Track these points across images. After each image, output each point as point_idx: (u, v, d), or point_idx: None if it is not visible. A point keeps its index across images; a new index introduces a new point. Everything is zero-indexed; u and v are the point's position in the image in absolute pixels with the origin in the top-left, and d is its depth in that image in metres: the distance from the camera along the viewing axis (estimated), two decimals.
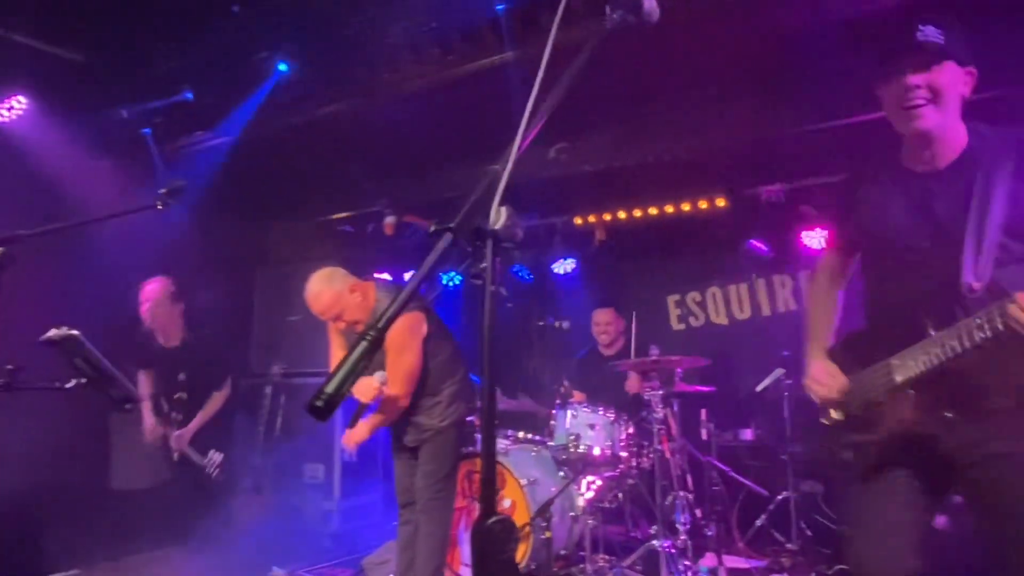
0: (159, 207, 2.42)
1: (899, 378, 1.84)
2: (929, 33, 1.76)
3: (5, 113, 4.50)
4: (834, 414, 2.06)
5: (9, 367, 2.16)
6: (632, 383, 4.81)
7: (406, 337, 3.25)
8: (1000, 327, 1.58)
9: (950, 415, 1.77)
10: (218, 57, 4.30)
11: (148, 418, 4.30)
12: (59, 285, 4.44)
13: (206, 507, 4.32)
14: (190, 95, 4.43)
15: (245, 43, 4.22)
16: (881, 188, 1.97)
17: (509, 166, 1.12)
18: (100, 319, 3.39)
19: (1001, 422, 1.75)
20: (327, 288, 3.25)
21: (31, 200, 4.23)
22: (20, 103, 4.50)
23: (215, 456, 4.29)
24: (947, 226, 1.79)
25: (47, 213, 3.59)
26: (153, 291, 4.30)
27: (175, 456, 4.27)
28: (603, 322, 5.20)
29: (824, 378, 2.03)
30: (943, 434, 1.79)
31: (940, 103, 1.77)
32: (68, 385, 2.33)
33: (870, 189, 2.01)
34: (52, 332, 2.32)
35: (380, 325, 0.97)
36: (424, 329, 3.35)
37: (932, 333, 1.76)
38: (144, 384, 4.39)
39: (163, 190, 2.49)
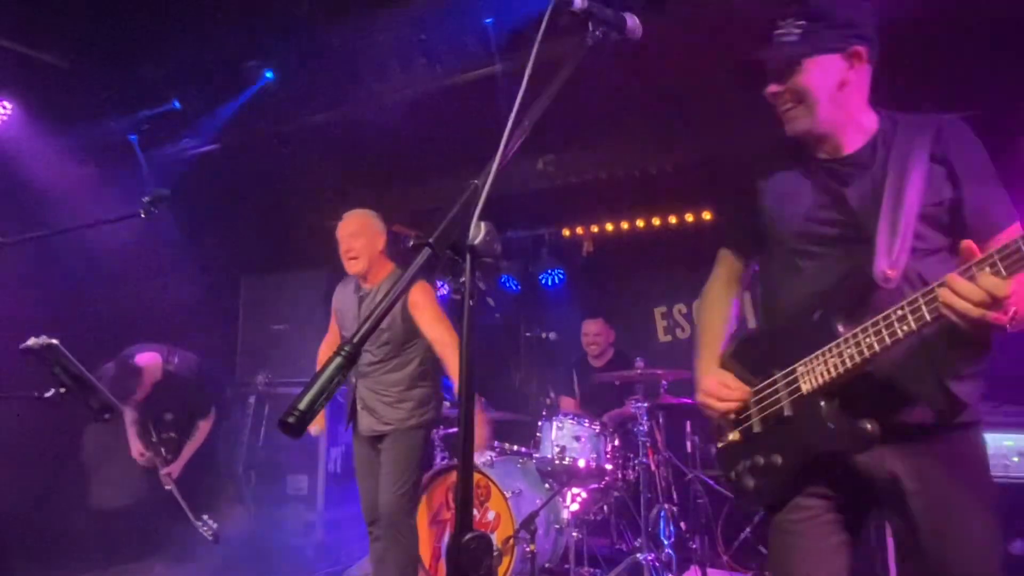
0: (143, 215, 2.41)
1: (807, 387, 1.58)
2: (785, 31, 1.61)
3: None
4: (731, 435, 1.76)
5: None
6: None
7: (430, 297, 3.21)
8: (927, 316, 1.38)
9: (868, 427, 1.48)
10: (204, 65, 4.31)
11: (135, 443, 4.25)
12: (40, 293, 4.40)
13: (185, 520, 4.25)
14: (177, 104, 4.42)
15: (232, 51, 4.23)
16: (782, 177, 1.77)
17: (489, 181, 1.12)
18: (82, 327, 3.37)
19: (919, 448, 1.55)
20: (369, 219, 3.31)
21: (15, 206, 4.20)
22: (5, 108, 4.48)
23: (210, 523, 4.17)
24: (857, 213, 1.61)
25: (30, 219, 3.57)
26: (151, 373, 4.21)
27: (167, 488, 4.21)
28: (592, 332, 5.21)
29: (720, 391, 1.75)
30: (860, 449, 1.55)
31: (808, 103, 1.62)
32: (47, 394, 2.31)
33: (768, 178, 1.80)
34: (31, 341, 2.30)
35: (355, 341, 0.96)
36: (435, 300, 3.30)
37: (841, 331, 1.53)
38: (128, 412, 4.32)
39: (147, 198, 2.48)
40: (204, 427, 4.42)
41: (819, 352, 1.56)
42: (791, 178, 1.75)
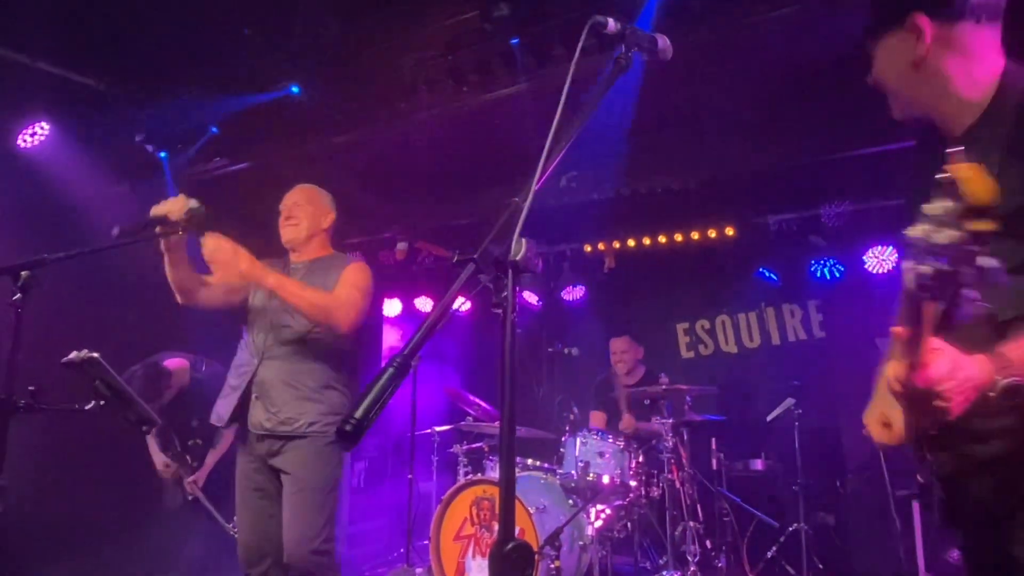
0: (180, 232, 2.47)
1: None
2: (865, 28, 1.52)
3: (29, 139, 4.61)
4: None
5: (31, 388, 2.19)
6: (626, 422, 4.82)
7: (366, 277, 2.82)
8: None
9: None
10: (235, 85, 4.41)
11: (157, 456, 4.29)
12: (81, 308, 4.49)
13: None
14: (215, 129, 4.53)
15: (261, 72, 4.33)
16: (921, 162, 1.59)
17: (530, 199, 1.16)
18: (118, 341, 3.45)
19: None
20: (320, 194, 2.98)
21: (54, 223, 4.31)
22: (43, 129, 4.62)
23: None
24: None
25: (69, 236, 3.67)
26: (179, 377, 4.19)
27: (190, 498, 4.22)
28: (619, 351, 5.17)
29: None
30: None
31: (892, 89, 1.49)
32: (87, 407, 2.36)
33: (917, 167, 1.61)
34: (73, 354, 2.36)
35: (406, 352, 1.00)
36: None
37: None
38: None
39: (184, 216, 2.53)
40: (228, 436, 4.43)
41: None
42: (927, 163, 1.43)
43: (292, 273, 2.83)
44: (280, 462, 2.64)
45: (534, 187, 1.17)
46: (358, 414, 0.91)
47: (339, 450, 2.66)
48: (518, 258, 1.11)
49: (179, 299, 2.76)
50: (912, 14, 1.36)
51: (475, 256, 1.08)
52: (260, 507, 2.66)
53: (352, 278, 2.77)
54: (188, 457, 4.26)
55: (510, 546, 1.06)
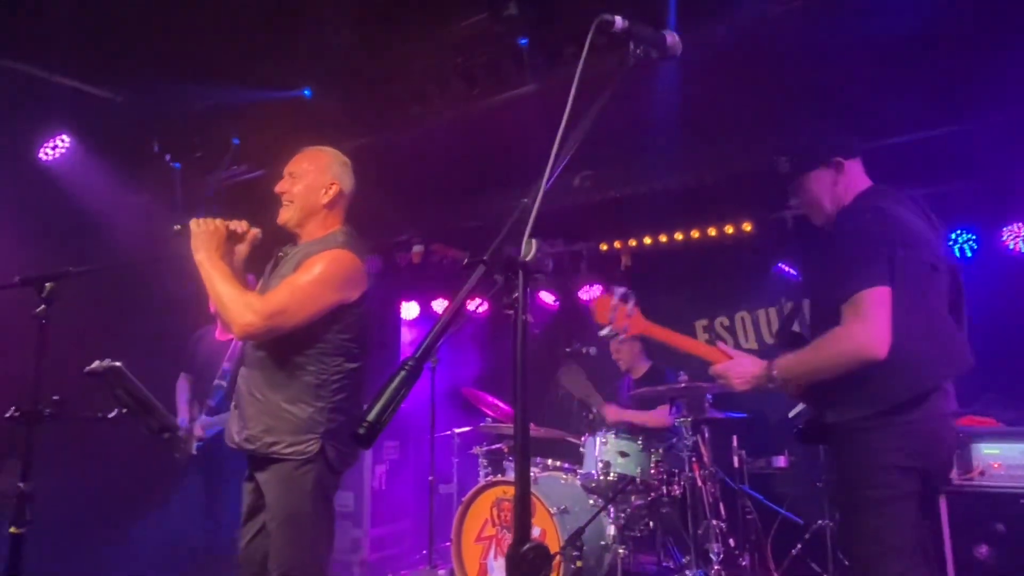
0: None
1: None
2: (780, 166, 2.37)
3: (50, 152, 4.69)
4: None
5: (55, 398, 2.23)
6: (611, 414, 4.79)
7: (327, 271, 2.25)
8: None
9: None
10: (253, 94, 4.46)
11: (184, 409, 4.23)
12: (103, 318, 4.56)
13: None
14: (236, 140, 4.58)
15: (276, 79, 4.37)
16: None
17: (539, 199, 1.16)
18: (143, 350, 3.50)
19: None
20: (323, 157, 2.51)
21: (75, 235, 4.38)
22: (64, 142, 4.70)
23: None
24: None
25: (90, 247, 3.74)
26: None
27: (193, 446, 4.12)
28: (613, 350, 5.14)
29: None
30: None
31: (811, 211, 2.36)
32: (110, 415, 2.40)
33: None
34: (96, 364, 2.40)
35: (418, 355, 1.00)
36: (358, 286, 2.34)
37: None
38: (182, 388, 4.37)
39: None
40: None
41: None
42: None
43: (276, 261, 2.48)
44: (261, 482, 2.28)
45: (543, 188, 1.17)
46: (370, 417, 0.92)
47: (316, 474, 2.21)
48: (528, 259, 1.11)
49: (222, 330, 2.71)
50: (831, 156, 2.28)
51: (485, 258, 1.08)
52: (247, 522, 2.35)
53: (303, 271, 2.26)
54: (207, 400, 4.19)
55: (526, 547, 1.06)
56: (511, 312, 1.11)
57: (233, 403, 2.41)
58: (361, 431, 0.92)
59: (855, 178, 2.28)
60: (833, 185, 2.26)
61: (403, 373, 0.97)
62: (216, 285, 2.25)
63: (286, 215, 2.43)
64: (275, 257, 2.50)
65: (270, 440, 2.21)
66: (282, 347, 2.26)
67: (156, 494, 4.80)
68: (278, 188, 2.46)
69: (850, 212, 2.17)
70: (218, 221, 2.35)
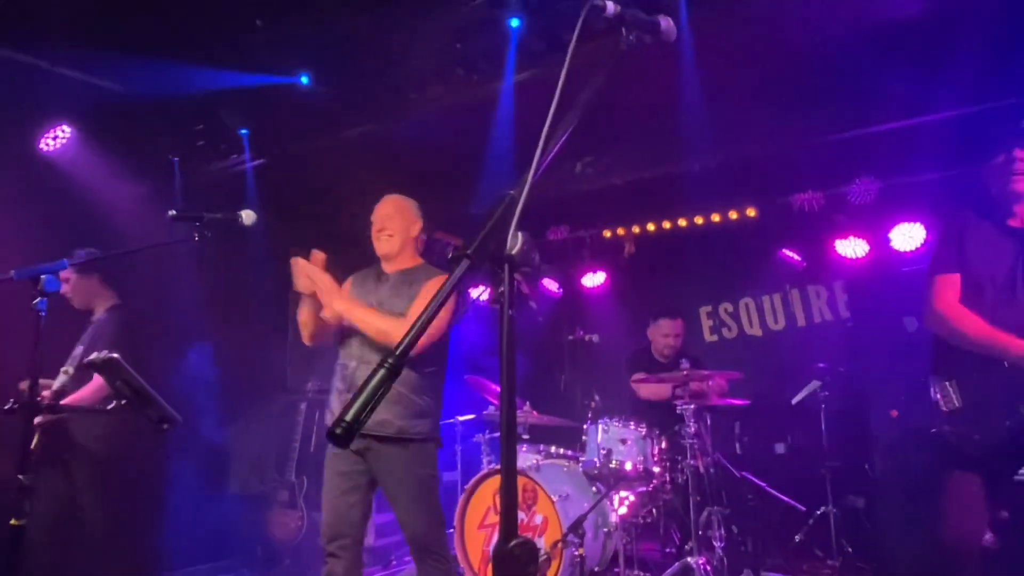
0: (196, 239, 2.50)
1: None
2: None
3: (51, 142, 4.68)
4: None
5: (53, 389, 2.24)
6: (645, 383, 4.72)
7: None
8: None
9: None
10: (251, 82, 4.43)
11: None
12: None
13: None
14: (245, 132, 4.58)
15: (274, 67, 4.34)
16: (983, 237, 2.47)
17: (525, 191, 1.13)
18: (142, 339, 3.50)
19: None
20: (408, 203, 3.12)
21: (76, 225, 4.38)
22: (64, 132, 4.68)
23: None
24: None
25: (91, 237, 3.73)
26: None
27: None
28: (673, 333, 4.95)
29: None
30: None
31: None
32: (109, 407, 2.41)
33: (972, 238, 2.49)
34: (93, 355, 2.41)
35: (397, 353, 0.99)
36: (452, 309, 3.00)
37: None
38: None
39: (201, 222, 2.56)
40: None
41: None
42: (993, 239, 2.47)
43: (384, 283, 3.03)
44: (375, 460, 2.81)
45: (530, 179, 1.14)
46: (348, 417, 0.91)
47: (432, 451, 2.90)
48: (514, 252, 1.09)
49: (307, 341, 3.05)
50: None
51: (469, 252, 1.06)
52: (344, 493, 2.84)
53: (429, 295, 2.84)
54: None
55: (513, 543, 1.05)
56: (497, 307, 1.09)
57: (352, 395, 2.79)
58: (338, 431, 0.90)
59: None
60: None
61: (382, 372, 0.96)
62: (373, 323, 2.79)
63: (388, 247, 3.02)
64: (378, 276, 3.06)
65: (398, 425, 2.77)
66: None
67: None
68: (379, 224, 3.04)
69: None
70: (318, 272, 2.83)
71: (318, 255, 2.90)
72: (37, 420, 2.31)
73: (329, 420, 3.04)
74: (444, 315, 2.83)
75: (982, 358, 2.36)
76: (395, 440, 2.78)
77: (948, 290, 2.49)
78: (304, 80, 4.26)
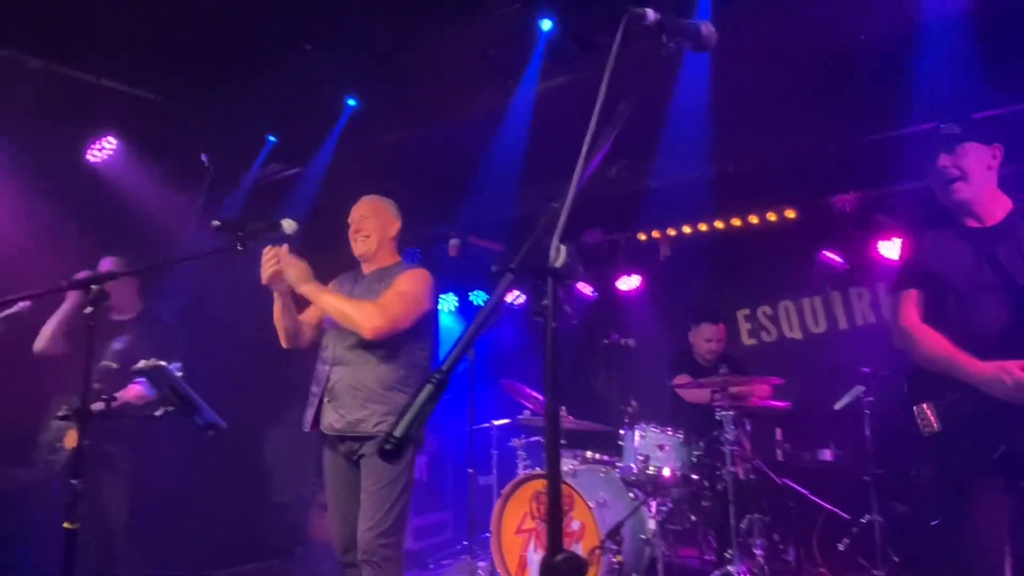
0: (239, 248, 2.54)
1: None
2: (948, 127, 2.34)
3: (97, 154, 4.82)
4: None
5: (105, 396, 2.30)
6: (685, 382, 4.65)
7: (415, 282, 2.90)
8: None
9: None
10: (291, 93, 4.51)
11: None
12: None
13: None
14: (272, 139, 4.65)
15: (316, 78, 4.41)
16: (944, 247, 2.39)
17: (568, 202, 1.13)
18: (190, 348, 3.58)
19: None
20: (384, 203, 3.13)
21: (122, 236, 4.50)
22: (110, 143, 4.82)
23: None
24: (1008, 270, 2.21)
25: (136, 246, 3.84)
26: None
27: None
28: (716, 338, 4.95)
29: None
30: None
31: (968, 179, 2.29)
32: (157, 413, 2.47)
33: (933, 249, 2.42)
34: (141, 363, 2.47)
35: (444, 368, 0.99)
36: (435, 298, 3.03)
37: None
38: None
39: (243, 232, 2.60)
40: None
41: None
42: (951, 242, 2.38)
43: (360, 283, 3.06)
44: (361, 460, 2.85)
45: (573, 190, 1.14)
46: (398, 432, 0.91)
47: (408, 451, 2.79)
48: (558, 264, 1.08)
49: (284, 343, 3.04)
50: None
51: (512, 265, 1.06)
52: (345, 500, 2.88)
53: (399, 285, 2.88)
54: None
55: (560, 557, 1.05)
56: (541, 319, 1.09)
57: (327, 399, 2.90)
58: (388, 447, 0.91)
59: None
60: None
61: (430, 387, 0.96)
62: (335, 304, 2.81)
63: (365, 247, 3.04)
64: (357, 277, 3.09)
65: (372, 421, 2.77)
66: (386, 346, 2.82)
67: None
68: (356, 225, 3.05)
69: None
70: (293, 258, 2.81)
71: (283, 248, 2.85)
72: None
73: (306, 427, 2.97)
74: (416, 306, 2.86)
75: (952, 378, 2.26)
76: (373, 437, 2.80)
77: (910, 307, 2.42)
78: (351, 103, 4.33)
